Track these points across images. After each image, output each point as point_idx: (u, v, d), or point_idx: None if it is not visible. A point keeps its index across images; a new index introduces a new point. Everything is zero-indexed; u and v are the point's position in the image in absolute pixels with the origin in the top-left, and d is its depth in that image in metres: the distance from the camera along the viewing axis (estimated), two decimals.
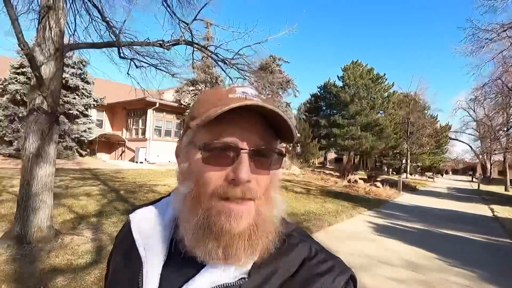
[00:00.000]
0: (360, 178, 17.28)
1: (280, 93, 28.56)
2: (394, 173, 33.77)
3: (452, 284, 3.76)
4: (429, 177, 35.03)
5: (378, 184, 14.74)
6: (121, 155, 19.82)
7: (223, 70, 5.33)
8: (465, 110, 36.99)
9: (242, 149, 0.42)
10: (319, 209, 8.18)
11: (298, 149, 24.40)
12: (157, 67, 5.98)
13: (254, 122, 0.43)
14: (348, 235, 5.84)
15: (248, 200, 0.42)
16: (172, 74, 6.10)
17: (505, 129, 21.57)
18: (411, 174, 31.38)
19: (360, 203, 9.85)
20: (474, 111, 37.59)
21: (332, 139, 26.12)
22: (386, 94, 26.09)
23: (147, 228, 0.50)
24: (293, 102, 54.95)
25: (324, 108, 31.20)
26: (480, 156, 41.14)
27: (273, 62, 27.26)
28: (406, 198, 13.04)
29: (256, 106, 0.41)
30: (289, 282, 0.44)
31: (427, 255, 4.90)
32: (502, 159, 31.09)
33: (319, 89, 31.20)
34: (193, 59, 5.72)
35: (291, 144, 25.52)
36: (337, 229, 6.31)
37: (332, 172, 22.52)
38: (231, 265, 0.43)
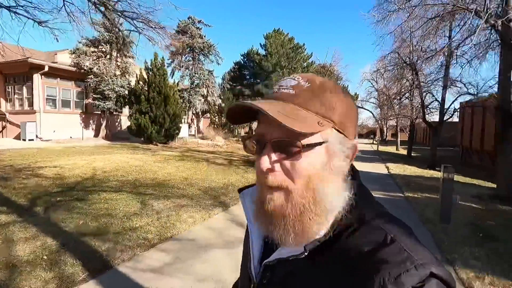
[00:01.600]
0: None
1: (202, 59, 26.81)
2: None
3: None
4: None
5: None
6: (1, 131, 15.84)
7: (106, 17, 4.11)
8: (369, 81, 41.99)
9: (265, 140, 0.48)
10: (239, 180, 7.91)
11: (223, 119, 23.80)
12: (12, 9, 4.36)
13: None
14: None
15: (276, 188, 0.47)
16: (38, 21, 4.54)
17: (399, 97, 25.09)
18: None
19: None
20: (376, 82, 43.06)
21: None
22: (305, 64, 27.09)
23: (250, 205, 0.58)
24: (216, 70, 53.14)
25: (248, 77, 30.80)
26: (379, 122, 48.05)
27: (192, 25, 25.04)
28: None
29: (243, 105, 0.48)
30: (354, 270, 0.43)
31: None
32: (395, 124, 36.95)
33: (242, 57, 30.43)
34: (64, 3, 4.27)
35: (215, 114, 24.78)
36: None
37: None
38: (299, 244, 0.47)
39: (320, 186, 0.47)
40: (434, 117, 21.06)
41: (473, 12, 6.13)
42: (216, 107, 24.25)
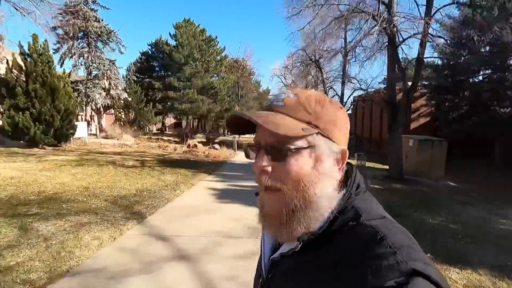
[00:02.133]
0: (199, 142, 17.21)
1: (101, 47, 23.29)
2: (229, 133, 36.94)
3: None
4: (253, 134, 40.74)
5: (216, 146, 15.11)
6: None
7: None
8: (278, 77, 44.84)
9: (259, 145, 0.53)
10: (155, 184, 7.02)
11: (131, 115, 21.34)
12: None
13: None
14: (190, 210, 5.13)
15: (270, 189, 0.52)
16: None
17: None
18: None
19: (200, 169, 9.46)
20: (285, 78, 46.37)
21: (169, 103, 24.51)
22: (218, 57, 26.71)
23: None
24: (119, 59, 47.55)
25: (157, 69, 28.48)
26: None
27: (85, 5, 21.37)
28: (241, 157, 14.03)
29: (238, 115, 0.55)
30: (343, 267, 0.45)
31: None
32: None
33: (150, 47, 27.87)
34: None
35: (121, 110, 21.98)
36: (177, 205, 5.46)
37: (171, 138, 21.39)
38: (291, 241, 0.52)
39: (310, 187, 0.50)
40: None
41: (370, 15, 6.91)
42: (122, 101, 21.51)
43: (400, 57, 8.01)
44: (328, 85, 17.51)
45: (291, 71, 30.88)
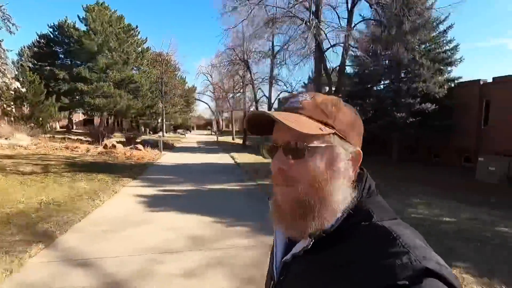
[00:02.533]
0: (118, 142, 15.31)
1: None
2: (151, 132, 34.30)
3: (240, 250, 3.58)
4: (181, 134, 38.96)
5: (140, 146, 13.69)
6: None
7: None
8: (204, 74, 43.86)
9: (276, 144, 0.55)
10: (65, 193, 5.82)
11: (26, 109, 17.64)
12: None
13: (284, 124, 0.50)
14: (115, 224, 4.37)
15: (285, 185, 0.53)
16: None
17: (233, 92, 27.60)
18: (166, 132, 33.18)
19: (122, 173, 8.34)
20: (211, 76, 45.66)
21: (78, 97, 21.16)
22: (140, 49, 24.38)
23: None
24: (7, 40, 38.95)
25: (62, 56, 24.33)
26: (215, 114, 51.62)
27: None
28: (168, 158, 13.07)
29: (258, 114, 0.56)
30: (353, 263, 0.45)
31: (206, 221, 4.59)
32: (229, 116, 40.75)
33: (52, 30, 23.58)
34: None
35: (11, 102, 17.89)
36: (97, 219, 4.59)
37: (81, 138, 18.47)
38: (304, 240, 0.53)
39: (324, 185, 0.52)
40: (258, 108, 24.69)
41: (304, 21, 7.22)
42: (12, 92, 17.57)
43: (327, 64, 8.65)
44: (257, 86, 17.86)
45: (219, 69, 30.72)
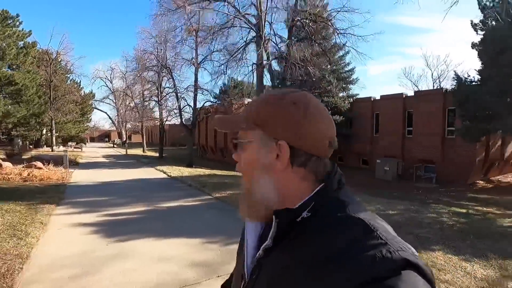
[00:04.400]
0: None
1: None
2: (31, 146, 27.74)
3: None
4: (75, 147, 32.84)
5: (39, 164, 10.83)
6: None
7: None
8: (102, 79, 38.64)
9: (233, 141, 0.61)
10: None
11: None
12: None
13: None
14: (80, 267, 3.34)
15: (241, 174, 0.60)
16: None
17: (146, 100, 25.19)
18: (56, 146, 27.39)
19: (34, 199, 6.44)
20: (111, 81, 40.56)
21: None
22: (22, 43, 19.53)
23: None
24: None
25: None
26: (116, 124, 46.06)
27: None
28: (82, 176, 10.81)
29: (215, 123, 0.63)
30: (335, 257, 0.44)
31: (197, 243, 4.06)
32: (135, 126, 37.01)
33: None
34: None
35: None
36: (49, 264, 3.41)
37: None
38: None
39: (255, 176, 0.57)
40: (172, 120, 23.47)
41: (256, 30, 7.40)
42: None
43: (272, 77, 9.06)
44: (180, 94, 16.96)
45: (124, 75, 27.61)
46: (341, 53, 18.29)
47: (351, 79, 18.72)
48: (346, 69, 18.81)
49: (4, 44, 17.99)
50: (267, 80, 10.51)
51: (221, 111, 17.22)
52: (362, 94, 20.69)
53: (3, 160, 12.15)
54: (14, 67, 18.76)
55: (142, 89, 26.95)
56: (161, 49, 16.38)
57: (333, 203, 0.51)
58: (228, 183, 9.08)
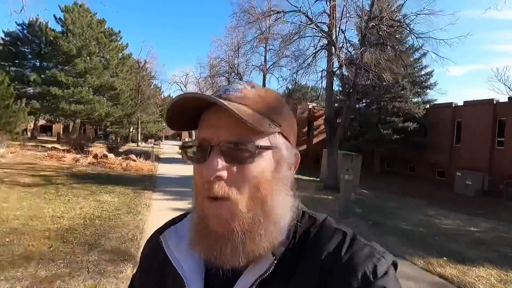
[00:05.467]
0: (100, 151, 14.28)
1: None
2: (121, 141, 32.46)
3: None
4: (154, 144, 37.33)
5: (133, 156, 12.93)
6: None
7: None
8: (178, 84, 43.04)
9: (211, 144, 0.42)
10: (98, 208, 5.37)
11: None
12: None
13: (226, 116, 0.40)
14: None
15: (222, 199, 0.41)
16: None
17: None
18: (140, 142, 31.65)
19: (135, 185, 7.86)
20: (185, 86, 44.83)
21: (50, 102, 19.47)
22: (121, 55, 23.31)
23: (183, 247, 0.48)
24: None
25: (30, 57, 22.35)
26: None
27: None
28: (165, 169, 12.50)
29: (190, 97, 0.42)
30: (331, 270, 0.42)
31: None
32: None
33: (20, 28, 21.65)
34: None
35: None
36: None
37: (57, 146, 16.88)
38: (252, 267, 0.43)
39: (269, 196, 0.43)
40: None
41: (336, 49, 7.71)
42: None
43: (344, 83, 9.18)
44: None
45: (198, 80, 30.46)
46: (417, 55, 17.06)
47: (428, 83, 17.27)
48: (423, 72, 17.43)
49: (108, 56, 21.77)
50: (336, 86, 10.61)
51: None
52: (441, 100, 18.82)
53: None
54: (114, 74, 22.40)
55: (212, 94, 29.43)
56: (231, 57, 17.70)
57: (304, 217, 0.48)
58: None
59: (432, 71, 17.14)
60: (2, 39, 22.30)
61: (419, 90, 17.03)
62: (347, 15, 9.17)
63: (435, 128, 16.52)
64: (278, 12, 9.67)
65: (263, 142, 0.42)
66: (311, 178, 12.20)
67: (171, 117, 0.45)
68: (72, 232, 4.03)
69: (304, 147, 20.97)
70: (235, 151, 0.41)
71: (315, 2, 9.46)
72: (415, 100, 16.54)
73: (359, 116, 18.12)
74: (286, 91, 31.51)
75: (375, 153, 18.24)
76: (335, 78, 9.64)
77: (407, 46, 15.57)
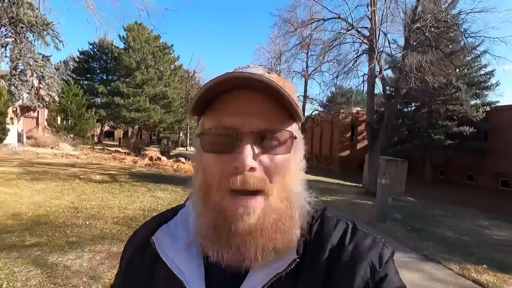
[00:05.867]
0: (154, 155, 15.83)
1: (32, 38, 19.92)
2: (173, 145, 35.03)
3: None
4: None
5: (182, 159, 14.13)
6: None
7: None
8: None
9: (242, 132, 0.39)
10: (154, 202, 6.19)
11: (70, 121, 18.50)
12: None
13: (257, 101, 0.38)
14: None
15: (256, 192, 0.39)
16: None
17: None
18: (189, 146, 33.89)
19: (185, 184, 8.60)
20: None
21: (113, 110, 22.10)
22: (173, 66, 25.51)
23: (178, 248, 0.45)
24: (55, 56, 40.86)
25: (98, 71, 25.64)
26: None
27: None
28: None
29: (243, 77, 0.38)
30: (337, 261, 0.42)
31: None
32: None
33: (91, 47, 25.02)
34: None
35: (56, 114, 18.84)
36: None
37: (119, 149, 19.13)
38: (268, 265, 0.40)
39: (294, 186, 0.42)
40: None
41: (374, 53, 7.74)
42: (58, 104, 18.56)
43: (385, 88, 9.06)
44: None
45: None
46: (474, 54, 15.69)
47: (488, 84, 15.75)
48: (481, 72, 15.96)
49: (162, 68, 23.98)
50: (378, 89, 10.42)
51: (327, 120, 17.63)
52: (504, 101, 16.94)
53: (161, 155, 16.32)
54: (166, 84, 24.53)
55: None
56: (274, 64, 18.23)
57: (314, 208, 0.46)
58: (334, 189, 9.54)
59: (493, 71, 15.58)
60: (78, 57, 25.97)
61: (477, 91, 15.59)
62: (389, 18, 9.04)
63: (497, 133, 14.95)
64: (318, 20, 9.92)
65: (294, 130, 0.41)
66: (353, 184, 12.03)
67: (200, 99, 0.40)
68: (135, 220, 4.81)
69: (348, 152, 20.50)
70: (270, 139, 0.39)
71: (355, 7, 9.52)
72: (472, 102, 15.16)
73: (407, 120, 17.20)
74: (329, 95, 31.11)
75: (426, 160, 17.10)
76: (376, 82, 9.50)
77: (461, 46, 14.49)
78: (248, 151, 0.38)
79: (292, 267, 0.40)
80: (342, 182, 12.52)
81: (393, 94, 9.39)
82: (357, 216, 6.15)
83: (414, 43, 8.96)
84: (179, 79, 26.90)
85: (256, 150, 0.39)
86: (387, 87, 10.44)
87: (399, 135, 17.21)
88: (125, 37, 23.26)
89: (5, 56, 17.89)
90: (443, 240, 4.91)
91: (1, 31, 18.71)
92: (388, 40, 9.41)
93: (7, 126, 11.73)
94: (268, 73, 0.43)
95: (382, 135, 9.23)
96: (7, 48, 18.58)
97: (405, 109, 17.99)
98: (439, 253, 4.16)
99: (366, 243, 0.44)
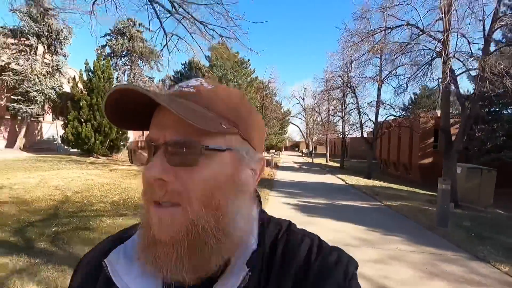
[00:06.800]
0: None
1: (141, 64, 24.90)
2: None
3: (405, 253, 4.32)
4: (275, 154, 41.43)
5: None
6: None
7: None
8: (297, 98, 46.05)
9: (155, 144, 0.38)
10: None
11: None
12: None
13: (173, 115, 0.36)
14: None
15: (167, 205, 0.38)
16: None
17: (328, 115, 28.49)
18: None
19: (260, 184, 10.03)
20: (303, 99, 47.48)
21: None
22: (249, 79, 27.97)
23: (135, 270, 0.42)
24: (156, 77, 49.50)
25: None
26: (305, 136, 52.74)
27: (132, 27, 23.11)
28: (282, 175, 14.62)
29: (123, 90, 0.37)
30: (302, 279, 0.42)
31: (361, 229, 5.48)
32: (320, 138, 41.56)
33: (183, 66, 29.47)
34: None
35: None
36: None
37: None
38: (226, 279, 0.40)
39: (224, 203, 0.39)
40: (354, 133, 24.65)
41: (442, 56, 7.73)
42: None
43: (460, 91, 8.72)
44: (362, 110, 18.22)
45: (314, 95, 32.25)
46: None
47: None
48: None
49: (240, 81, 26.57)
50: (454, 95, 9.89)
51: (405, 125, 16.83)
52: None
53: None
54: None
55: (328, 106, 30.45)
56: (345, 71, 18.40)
57: (267, 223, 0.48)
58: (403, 195, 9.51)
59: None
60: (173, 76, 30.88)
61: None
62: (467, 19, 8.70)
63: None
64: (385, 29, 10.12)
65: (214, 143, 0.38)
66: (430, 193, 11.46)
67: (111, 112, 0.40)
68: None
69: (430, 159, 18.88)
70: (179, 152, 0.37)
71: (426, 12, 9.42)
72: None
73: (506, 124, 15.04)
74: (412, 97, 29.00)
75: None
76: (452, 86, 9.10)
77: None
78: (156, 162, 0.37)
79: (246, 282, 0.39)
80: (417, 190, 12.01)
81: (467, 97, 8.83)
82: (418, 220, 6.36)
83: (498, 45, 8.34)
84: (255, 90, 29.19)
85: (166, 162, 0.37)
86: (462, 91, 9.80)
87: (493, 142, 15.15)
88: (209, 56, 26.79)
89: (124, 80, 22.92)
90: (508, 248, 4.88)
91: (122, 61, 24.09)
92: (468, 41, 8.98)
93: (128, 135, 15.27)
94: (209, 84, 0.43)
95: (459, 141, 8.80)
96: (125, 73, 23.72)
97: (504, 112, 15.72)
98: (493, 255, 4.30)
99: (331, 259, 0.44)
